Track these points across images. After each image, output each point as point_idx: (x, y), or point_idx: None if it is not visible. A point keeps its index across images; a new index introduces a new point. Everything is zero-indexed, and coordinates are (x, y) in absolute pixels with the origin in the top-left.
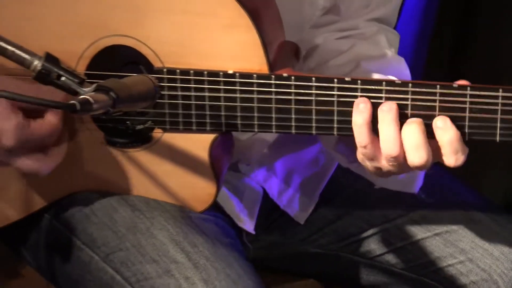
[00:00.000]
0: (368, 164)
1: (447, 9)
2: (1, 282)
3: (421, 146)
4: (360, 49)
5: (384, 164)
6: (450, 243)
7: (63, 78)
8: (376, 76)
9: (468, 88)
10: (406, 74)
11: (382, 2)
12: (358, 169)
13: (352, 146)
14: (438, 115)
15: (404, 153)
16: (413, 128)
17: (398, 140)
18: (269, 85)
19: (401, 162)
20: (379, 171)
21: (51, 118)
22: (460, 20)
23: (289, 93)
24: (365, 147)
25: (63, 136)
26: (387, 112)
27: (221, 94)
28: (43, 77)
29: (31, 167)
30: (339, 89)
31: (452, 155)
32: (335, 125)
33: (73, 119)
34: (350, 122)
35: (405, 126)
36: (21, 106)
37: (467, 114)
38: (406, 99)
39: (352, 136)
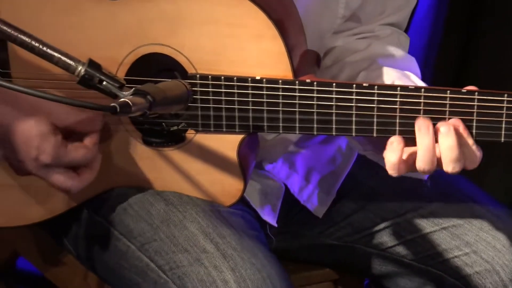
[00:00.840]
0: None
1: (454, 16)
2: (45, 269)
3: (457, 160)
4: (376, 48)
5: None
6: (456, 236)
7: (104, 83)
8: (391, 71)
9: (476, 93)
10: (417, 73)
11: (396, 9)
12: (373, 156)
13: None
14: (448, 118)
15: (438, 161)
16: (451, 143)
17: (434, 157)
18: (293, 90)
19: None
20: None
21: (87, 143)
22: (466, 27)
23: (312, 98)
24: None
25: (97, 159)
26: (425, 130)
27: (249, 99)
28: (86, 81)
29: (63, 184)
30: (357, 93)
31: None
32: (354, 126)
33: (112, 122)
34: (367, 123)
35: (443, 139)
36: (61, 127)
37: (474, 117)
38: (419, 104)
39: (369, 137)
